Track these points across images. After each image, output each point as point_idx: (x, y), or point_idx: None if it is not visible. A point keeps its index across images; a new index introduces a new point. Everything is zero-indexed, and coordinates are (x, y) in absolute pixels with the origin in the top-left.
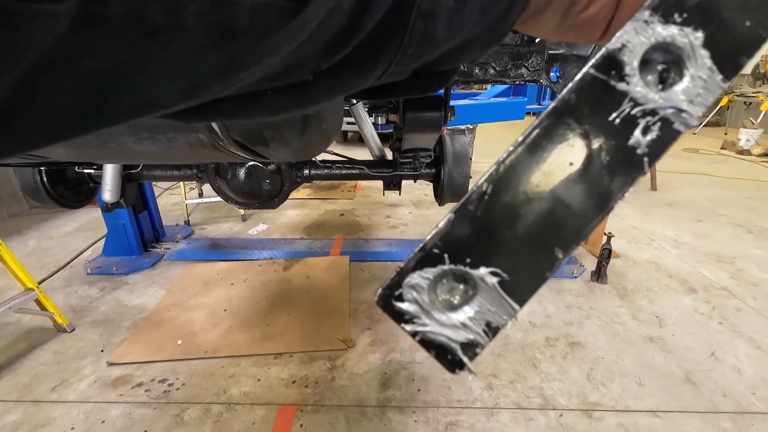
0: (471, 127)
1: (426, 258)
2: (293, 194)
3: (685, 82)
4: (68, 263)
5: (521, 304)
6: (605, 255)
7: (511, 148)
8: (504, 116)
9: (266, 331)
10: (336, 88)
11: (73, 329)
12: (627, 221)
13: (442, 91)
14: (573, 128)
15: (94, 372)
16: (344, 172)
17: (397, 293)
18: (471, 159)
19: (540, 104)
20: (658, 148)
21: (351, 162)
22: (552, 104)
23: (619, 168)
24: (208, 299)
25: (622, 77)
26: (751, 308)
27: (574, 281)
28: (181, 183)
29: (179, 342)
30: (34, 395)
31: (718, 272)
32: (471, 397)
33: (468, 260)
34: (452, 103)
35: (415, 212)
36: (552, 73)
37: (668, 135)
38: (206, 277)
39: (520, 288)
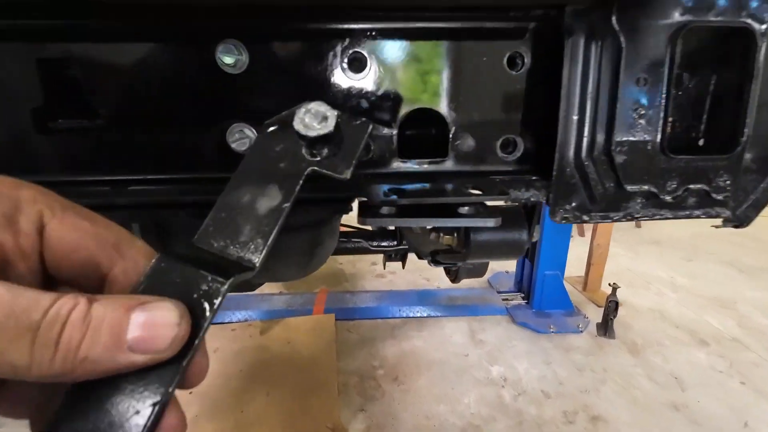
0: None
1: None
2: None
3: None
4: None
5: None
6: (612, 308)
7: None
8: None
9: (240, 420)
10: None
11: None
12: (619, 261)
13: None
14: None
15: None
16: (339, 246)
17: None
18: None
19: None
20: None
21: (345, 235)
22: None
23: None
24: None
25: None
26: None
27: (579, 336)
28: None
29: None
30: None
31: (724, 319)
32: None
33: None
34: None
35: None
36: None
37: None
38: None
39: None
